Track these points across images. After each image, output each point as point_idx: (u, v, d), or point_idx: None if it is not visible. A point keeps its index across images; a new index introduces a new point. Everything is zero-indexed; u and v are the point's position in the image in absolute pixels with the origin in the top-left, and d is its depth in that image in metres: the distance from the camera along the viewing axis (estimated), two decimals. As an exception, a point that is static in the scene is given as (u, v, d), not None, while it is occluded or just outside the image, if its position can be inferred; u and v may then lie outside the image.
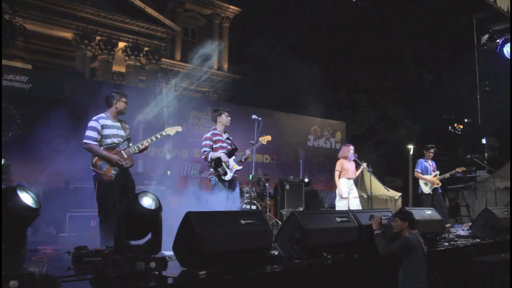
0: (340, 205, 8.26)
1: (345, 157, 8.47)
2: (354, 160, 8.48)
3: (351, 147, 8.57)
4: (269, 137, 6.58)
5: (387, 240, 4.59)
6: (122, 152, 5.15)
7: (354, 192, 8.35)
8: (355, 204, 8.15)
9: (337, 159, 8.61)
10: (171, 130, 5.61)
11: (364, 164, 8.72)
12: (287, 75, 11.28)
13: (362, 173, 9.87)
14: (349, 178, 8.31)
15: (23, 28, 13.87)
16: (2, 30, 12.28)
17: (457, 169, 9.57)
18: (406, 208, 5.76)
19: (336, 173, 8.42)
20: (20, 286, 2.52)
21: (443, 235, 6.52)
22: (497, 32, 12.11)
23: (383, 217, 4.95)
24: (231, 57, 28.07)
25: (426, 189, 9.23)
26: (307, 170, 12.50)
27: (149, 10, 23.11)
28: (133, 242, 3.45)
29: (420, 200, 9.50)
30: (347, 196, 8.20)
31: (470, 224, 8.07)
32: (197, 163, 10.89)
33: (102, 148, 5.08)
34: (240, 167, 6.37)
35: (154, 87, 21.77)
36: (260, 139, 6.47)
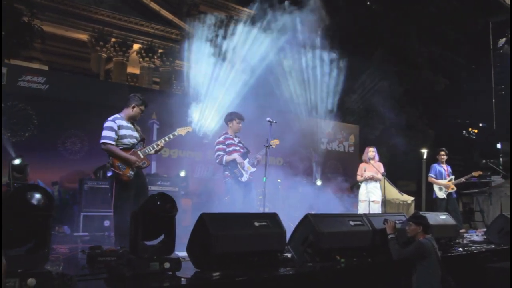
0: (359, 209, 8.21)
1: (365, 160, 8.45)
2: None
3: (369, 149, 8.50)
4: (277, 141, 6.58)
5: (400, 245, 4.56)
6: (139, 152, 5.19)
7: (374, 196, 8.17)
8: (373, 208, 8.07)
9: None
10: (182, 131, 5.67)
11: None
12: (301, 78, 11.27)
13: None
14: (369, 182, 8.23)
15: (41, 30, 14.06)
16: (23, 33, 12.46)
17: (473, 173, 9.46)
18: (420, 212, 5.73)
19: (358, 177, 8.39)
20: (37, 284, 2.55)
21: (457, 241, 6.45)
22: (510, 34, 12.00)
23: (397, 221, 4.92)
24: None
25: (440, 194, 9.14)
26: (320, 173, 12.46)
27: (164, 12, 23.26)
28: (148, 243, 3.48)
29: (434, 204, 9.41)
30: (364, 199, 8.14)
31: (484, 229, 7.97)
32: (210, 165, 10.90)
33: (119, 148, 5.12)
34: (255, 169, 6.38)
35: (168, 88, 21.93)
36: (270, 142, 6.47)
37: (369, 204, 8.06)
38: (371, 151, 8.41)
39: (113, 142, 5.07)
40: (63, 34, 21.11)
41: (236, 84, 9.84)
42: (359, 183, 8.46)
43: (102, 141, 5.08)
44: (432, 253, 4.34)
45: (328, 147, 13.77)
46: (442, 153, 9.35)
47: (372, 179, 8.19)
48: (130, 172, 5.07)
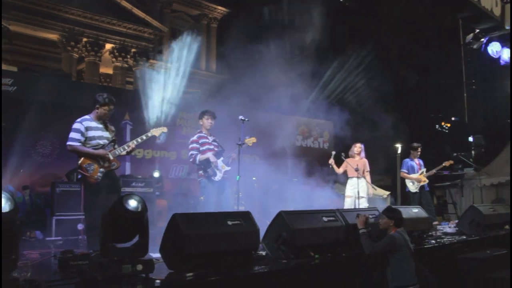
0: (345, 204, 8.27)
1: (351, 156, 8.52)
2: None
3: (356, 145, 8.56)
4: (254, 139, 6.58)
5: (374, 238, 4.61)
6: (109, 153, 5.12)
7: (361, 192, 8.22)
8: (360, 204, 8.11)
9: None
10: (156, 131, 5.60)
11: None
12: (275, 75, 11.27)
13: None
14: (352, 177, 8.28)
15: (8, 30, 13.71)
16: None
17: (445, 163, 9.61)
18: (393, 206, 5.81)
19: (337, 170, 8.44)
20: (3, 292, 2.49)
21: (430, 233, 6.57)
22: (482, 32, 12.26)
23: (370, 216, 4.97)
24: (219, 57, 28.04)
25: (412, 188, 9.29)
26: (296, 170, 12.51)
27: (136, 11, 23.01)
28: (120, 245, 3.44)
29: (408, 198, 9.56)
30: (350, 195, 8.21)
31: (457, 221, 8.14)
32: (185, 165, 10.84)
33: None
34: (229, 168, 6.37)
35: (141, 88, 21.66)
36: (246, 140, 6.47)
37: (355, 199, 8.13)
38: (358, 147, 8.52)
39: (79, 143, 5.00)
40: (32, 33, 20.67)
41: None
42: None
43: (67, 143, 5.03)
44: (404, 246, 4.39)
45: (303, 144, 13.85)
46: (420, 148, 9.50)
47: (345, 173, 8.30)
48: (99, 174, 5.00)
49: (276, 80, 11.10)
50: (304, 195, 10.48)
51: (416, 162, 9.44)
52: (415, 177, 9.26)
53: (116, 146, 5.25)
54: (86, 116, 5.17)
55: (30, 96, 9.09)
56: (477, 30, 12.53)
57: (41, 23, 20.37)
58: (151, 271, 3.40)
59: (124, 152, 5.27)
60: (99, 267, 3.24)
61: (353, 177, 8.26)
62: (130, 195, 3.45)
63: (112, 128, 5.40)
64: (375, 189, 8.97)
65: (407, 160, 9.52)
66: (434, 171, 9.55)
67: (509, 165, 12.97)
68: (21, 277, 2.78)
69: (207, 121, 6.45)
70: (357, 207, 7.90)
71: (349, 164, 8.29)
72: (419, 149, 9.50)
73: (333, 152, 8.55)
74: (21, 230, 3.13)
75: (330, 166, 8.41)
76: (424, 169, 9.37)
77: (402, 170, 9.46)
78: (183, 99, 11.54)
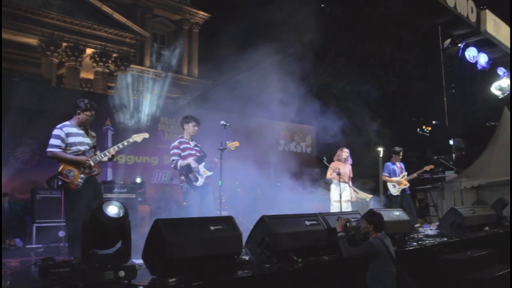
0: (332, 208, 8.30)
1: (339, 160, 8.58)
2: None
3: (344, 150, 8.67)
4: (237, 143, 6.57)
5: (357, 242, 4.64)
6: (89, 159, 5.07)
7: (346, 196, 8.37)
8: (345, 207, 8.20)
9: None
10: (138, 137, 5.55)
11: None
12: (257, 80, 11.32)
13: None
14: (338, 182, 8.31)
15: (-15, 34, 13.49)
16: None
17: (425, 168, 9.76)
18: (375, 209, 5.87)
19: (328, 176, 8.49)
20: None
21: (411, 235, 6.65)
22: (459, 37, 12.50)
23: (353, 219, 5.01)
24: (201, 62, 28.01)
25: (394, 191, 9.40)
26: (279, 174, 12.54)
27: (117, 16, 22.83)
28: (102, 251, 3.41)
29: (389, 201, 9.66)
30: (337, 199, 8.26)
31: (438, 223, 8.24)
32: (168, 170, 10.80)
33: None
34: (211, 173, 6.36)
35: (123, 93, 21.47)
36: (228, 144, 6.46)
37: (340, 204, 8.20)
38: (346, 152, 8.62)
39: (59, 150, 4.96)
40: (10, 38, 20.32)
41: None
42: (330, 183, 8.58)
43: (47, 149, 4.98)
44: (383, 252, 4.35)
45: (285, 148, 13.90)
46: (401, 152, 9.64)
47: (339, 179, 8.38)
48: (79, 180, 4.96)
49: (259, 85, 11.14)
50: (288, 200, 10.52)
51: (398, 166, 9.57)
52: (396, 180, 9.37)
53: (97, 152, 5.21)
54: (67, 122, 5.13)
55: (9, 102, 8.96)
56: (454, 35, 12.77)
57: (20, 28, 20.06)
58: (133, 277, 3.37)
59: (105, 158, 5.23)
60: (81, 274, 3.21)
61: (339, 181, 8.33)
62: (110, 201, 3.42)
63: (93, 134, 5.36)
64: (358, 193, 9.04)
65: (388, 163, 9.64)
66: (415, 175, 9.69)
67: (489, 167, 13.21)
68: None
69: (193, 128, 6.42)
70: (343, 210, 7.96)
71: (331, 169, 8.36)
72: (401, 153, 9.64)
73: (324, 158, 8.62)
74: None
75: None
76: (406, 173, 9.50)
77: (384, 173, 9.57)
78: (165, 104, 11.52)
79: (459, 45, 12.51)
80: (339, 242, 4.56)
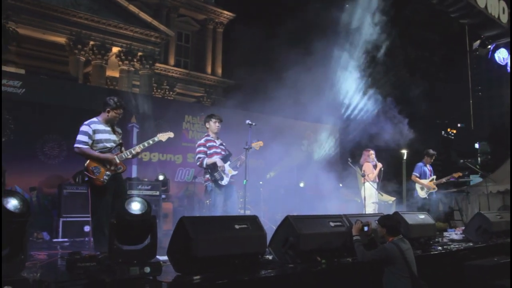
0: (369, 210, 8.22)
1: (368, 162, 8.56)
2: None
3: (370, 151, 8.66)
4: (261, 143, 6.56)
5: (377, 245, 4.56)
6: (115, 157, 5.14)
7: (373, 197, 8.41)
8: (374, 209, 8.20)
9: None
10: (163, 136, 5.57)
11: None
12: (282, 80, 11.31)
13: (356, 178, 9.92)
14: (369, 182, 8.33)
15: (16, 33, 13.79)
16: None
17: (454, 175, 9.65)
18: (400, 212, 5.79)
19: (370, 175, 8.46)
20: (13, 292, 2.51)
21: (436, 239, 6.54)
22: (489, 38, 12.23)
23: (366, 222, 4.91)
24: (225, 62, 28.14)
25: (422, 194, 9.27)
26: (302, 175, 12.51)
27: (143, 15, 23.11)
28: (130, 247, 3.44)
29: (416, 204, 9.53)
30: (374, 201, 8.25)
31: (463, 228, 8.10)
32: (191, 168, 10.88)
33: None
34: (236, 172, 6.35)
35: (148, 91, 21.74)
36: (252, 144, 6.45)
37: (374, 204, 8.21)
38: (372, 153, 8.62)
39: (86, 146, 5.02)
40: (40, 37, 20.80)
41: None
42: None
43: (75, 145, 5.04)
44: (397, 257, 4.21)
45: (309, 149, 13.84)
46: (434, 157, 9.55)
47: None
48: (105, 176, 5.01)
49: (282, 85, 11.12)
50: (310, 200, 10.49)
51: (428, 169, 9.45)
52: (426, 183, 9.25)
53: (123, 149, 5.27)
54: (94, 119, 5.19)
55: (38, 98, 9.17)
56: (484, 37, 12.50)
57: (49, 27, 20.50)
58: (158, 273, 3.39)
59: (130, 156, 5.28)
60: (107, 269, 3.25)
61: (370, 182, 8.31)
62: (133, 198, 3.45)
63: (119, 131, 5.42)
64: (382, 195, 8.98)
65: (420, 164, 9.50)
66: (444, 180, 9.58)
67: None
68: (31, 278, 2.80)
69: (214, 125, 6.43)
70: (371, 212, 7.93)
71: (368, 170, 8.38)
72: (434, 157, 9.54)
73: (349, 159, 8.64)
74: (29, 231, 3.14)
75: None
76: (434, 176, 9.38)
77: (415, 173, 9.42)
78: (189, 103, 11.61)
79: (489, 46, 12.25)
80: (354, 245, 4.49)
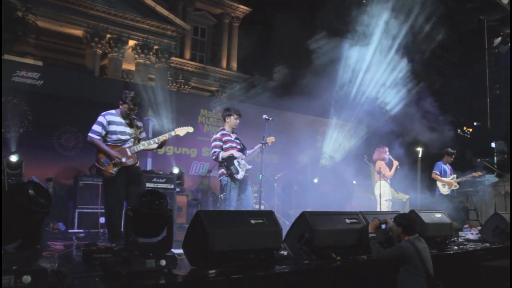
0: (383, 207, 8.20)
1: (382, 159, 8.49)
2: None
3: (385, 149, 8.63)
4: (273, 138, 6.51)
5: (394, 243, 4.53)
6: (127, 149, 5.14)
7: (387, 195, 8.36)
8: (386, 206, 8.15)
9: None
10: (181, 131, 5.51)
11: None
12: (296, 76, 11.28)
13: (370, 175, 9.85)
14: (384, 180, 8.28)
15: (36, 25, 13.93)
16: (15, 27, 12.35)
17: (474, 174, 9.59)
18: (416, 210, 5.73)
19: (378, 175, 8.40)
20: (32, 281, 2.52)
21: (452, 239, 6.46)
22: (510, 35, 12.00)
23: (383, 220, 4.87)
24: (240, 56, 28.13)
25: (444, 190, 9.23)
26: (316, 171, 12.47)
27: (160, 8, 23.19)
28: (146, 240, 3.46)
29: (436, 202, 9.45)
30: (389, 198, 8.20)
31: (479, 228, 8.01)
32: (206, 162, 10.91)
33: (107, 144, 5.08)
34: (250, 166, 6.34)
35: (164, 85, 21.82)
36: (266, 139, 6.42)
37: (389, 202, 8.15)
38: (387, 151, 8.59)
39: (98, 137, 5.05)
40: (57, 29, 21.00)
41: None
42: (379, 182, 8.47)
43: (88, 134, 5.10)
44: (413, 257, 4.17)
45: (323, 145, 13.77)
46: (454, 156, 9.48)
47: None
48: (114, 168, 5.02)
49: (297, 80, 11.09)
50: (323, 196, 10.46)
51: (448, 167, 9.41)
52: (447, 180, 9.21)
53: (136, 143, 5.25)
54: (112, 111, 5.21)
55: (55, 90, 9.26)
56: (504, 34, 12.28)
57: (67, 19, 20.70)
58: (174, 266, 3.40)
59: (141, 149, 5.25)
60: (123, 261, 3.27)
61: (384, 180, 8.26)
62: (150, 191, 3.46)
63: (139, 124, 5.41)
64: (398, 193, 8.92)
65: (440, 163, 9.47)
66: (464, 178, 9.55)
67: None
68: (49, 268, 2.82)
69: (235, 121, 6.38)
70: (385, 210, 7.88)
71: (382, 168, 8.32)
72: (453, 156, 9.48)
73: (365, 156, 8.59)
74: (44, 221, 3.18)
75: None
76: (455, 175, 9.33)
77: (435, 171, 9.37)
78: (204, 97, 11.63)
79: (510, 43, 12.03)
80: (370, 242, 4.46)
